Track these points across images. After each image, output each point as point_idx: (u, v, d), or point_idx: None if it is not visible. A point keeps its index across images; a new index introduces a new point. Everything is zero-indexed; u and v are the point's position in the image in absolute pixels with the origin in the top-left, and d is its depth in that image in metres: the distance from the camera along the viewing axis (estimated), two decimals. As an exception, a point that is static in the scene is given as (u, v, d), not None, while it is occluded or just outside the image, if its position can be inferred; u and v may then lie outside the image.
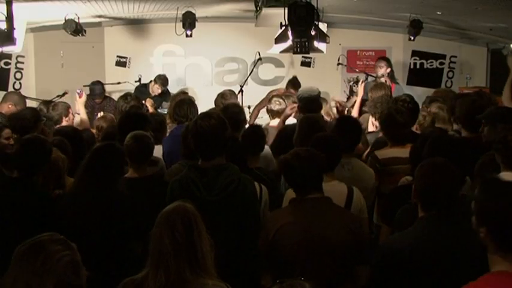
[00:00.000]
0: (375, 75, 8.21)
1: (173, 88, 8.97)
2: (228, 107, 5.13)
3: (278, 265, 3.24)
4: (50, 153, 3.71)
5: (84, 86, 8.51)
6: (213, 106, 6.49)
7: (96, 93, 8.27)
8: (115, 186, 3.51)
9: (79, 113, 6.58)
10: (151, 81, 8.80)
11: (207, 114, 3.36)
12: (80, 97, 6.55)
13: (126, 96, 6.70)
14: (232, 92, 6.57)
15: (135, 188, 3.74)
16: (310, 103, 5.39)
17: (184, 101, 5.52)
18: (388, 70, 8.00)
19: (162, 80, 8.65)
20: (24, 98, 6.93)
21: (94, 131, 5.97)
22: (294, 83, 8.12)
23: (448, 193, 2.79)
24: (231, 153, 3.57)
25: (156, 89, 8.59)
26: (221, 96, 6.21)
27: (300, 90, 5.51)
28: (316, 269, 3.12)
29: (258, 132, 4.55)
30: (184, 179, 3.26)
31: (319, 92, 5.58)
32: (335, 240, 3.13)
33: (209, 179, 3.18)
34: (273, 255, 3.24)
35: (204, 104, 8.27)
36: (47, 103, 6.78)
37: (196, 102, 6.25)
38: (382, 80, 7.72)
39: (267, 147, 4.89)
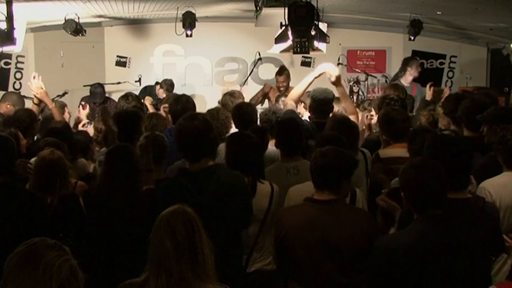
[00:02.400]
0: (376, 75, 8.27)
1: (174, 89, 8.98)
2: (241, 107, 5.14)
3: (289, 263, 3.27)
4: (13, 150, 3.60)
5: (84, 86, 8.54)
6: (212, 105, 6.49)
7: (97, 96, 8.23)
8: (136, 186, 3.52)
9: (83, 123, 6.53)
10: (157, 83, 8.80)
11: (190, 116, 3.31)
12: (83, 109, 6.54)
13: (127, 96, 6.70)
14: (240, 92, 6.56)
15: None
16: (324, 105, 5.37)
17: (180, 98, 5.40)
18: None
19: (168, 85, 8.64)
20: (23, 98, 6.93)
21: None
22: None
23: (436, 192, 2.77)
24: (251, 153, 3.56)
25: (161, 93, 8.59)
26: (230, 95, 6.20)
27: (313, 90, 5.49)
28: (327, 270, 3.14)
29: (262, 131, 4.57)
30: (175, 183, 3.23)
31: (334, 95, 5.55)
32: (349, 243, 3.13)
33: (200, 183, 3.13)
34: (284, 253, 3.26)
35: (204, 103, 8.31)
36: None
37: (196, 102, 6.24)
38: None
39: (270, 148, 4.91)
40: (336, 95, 5.72)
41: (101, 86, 8.36)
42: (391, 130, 4.55)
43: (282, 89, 7.87)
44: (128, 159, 3.62)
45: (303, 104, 5.98)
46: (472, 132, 4.51)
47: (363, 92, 8.82)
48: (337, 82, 5.67)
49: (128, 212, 3.46)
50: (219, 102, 6.32)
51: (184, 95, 5.61)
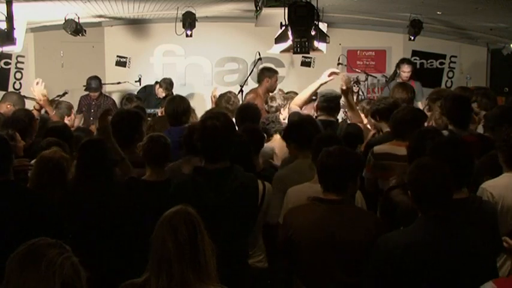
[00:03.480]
0: (376, 75, 8.29)
1: (174, 89, 9.00)
2: (244, 108, 5.15)
3: (296, 263, 3.27)
4: (11, 149, 3.58)
5: (84, 85, 8.54)
6: (211, 105, 6.51)
7: (92, 87, 8.24)
8: (111, 180, 3.52)
9: None
10: (156, 83, 8.79)
11: (215, 115, 3.28)
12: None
13: (131, 97, 6.71)
14: (235, 95, 6.55)
15: (152, 191, 3.69)
16: (330, 101, 5.41)
17: (174, 98, 5.49)
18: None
19: (167, 84, 8.64)
20: (23, 98, 6.94)
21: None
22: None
23: (443, 192, 2.79)
24: (240, 156, 3.58)
25: (160, 93, 8.61)
26: (226, 101, 6.20)
27: (321, 90, 5.58)
28: (333, 270, 3.13)
29: (258, 130, 4.58)
30: (191, 182, 3.22)
31: (340, 95, 5.62)
32: (357, 243, 3.12)
33: (217, 182, 3.14)
34: (291, 253, 3.26)
35: (204, 103, 8.31)
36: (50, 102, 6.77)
37: (196, 102, 6.28)
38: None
39: (266, 145, 4.93)
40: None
41: (97, 78, 8.34)
42: (394, 127, 4.56)
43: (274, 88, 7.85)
44: (99, 153, 3.62)
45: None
46: (459, 129, 4.55)
47: (363, 92, 8.82)
48: (346, 91, 5.66)
49: (105, 203, 3.45)
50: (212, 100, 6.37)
51: (177, 96, 5.62)
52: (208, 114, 3.41)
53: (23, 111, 5.64)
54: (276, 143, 5.11)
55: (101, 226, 3.47)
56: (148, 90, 8.90)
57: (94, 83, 8.27)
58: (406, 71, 8.27)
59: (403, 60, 8.55)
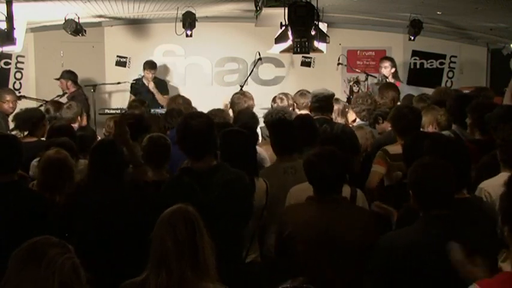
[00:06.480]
0: (376, 75, 8.29)
1: (174, 89, 9.01)
2: (243, 112, 5.19)
3: (292, 262, 3.26)
4: (21, 150, 3.59)
5: (86, 85, 8.54)
6: (211, 106, 6.49)
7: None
8: (122, 180, 3.53)
9: None
10: (141, 74, 8.72)
11: (194, 114, 3.35)
12: None
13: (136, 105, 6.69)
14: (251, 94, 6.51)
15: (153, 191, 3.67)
16: (323, 101, 5.44)
17: (174, 111, 5.51)
18: (393, 70, 8.21)
19: (149, 64, 8.62)
20: (15, 94, 7.02)
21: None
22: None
23: (443, 192, 2.79)
24: (244, 155, 3.60)
25: (148, 76, 8.55)
26: (242, 94, 6.15)
27: (313, 91, 5.61)
28: (330, 269, 3.13)
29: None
30: (178, 182, 3.24)
31: (333, 94, 5.65)
32: (352, 241, 3.12)
33: (204, 181, 3.16)
34: (287, 252, 3.25)
35: (204, 104, 8.31)
36: (54, 103, 6.76)
37: (196, 102, 6.27)
38: (390, 80, 7.83)
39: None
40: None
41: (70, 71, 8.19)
42: (399, 126, 4.54)
43: None
44: (111, 154, 3.61)
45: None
46: (463, 129, 4.58)
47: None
48: None
49: (115, 206, 3.45)
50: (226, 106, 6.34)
51: (176, 110, 5.59)
52: (187, 115, 3.46)
53: (35, 109, 5.69)
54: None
55: (110, 227, 3.43)
56: (140, 83, 8.80)
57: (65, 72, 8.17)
58: (383, 66, 8.22)
59: (382, 58, 8.56)
